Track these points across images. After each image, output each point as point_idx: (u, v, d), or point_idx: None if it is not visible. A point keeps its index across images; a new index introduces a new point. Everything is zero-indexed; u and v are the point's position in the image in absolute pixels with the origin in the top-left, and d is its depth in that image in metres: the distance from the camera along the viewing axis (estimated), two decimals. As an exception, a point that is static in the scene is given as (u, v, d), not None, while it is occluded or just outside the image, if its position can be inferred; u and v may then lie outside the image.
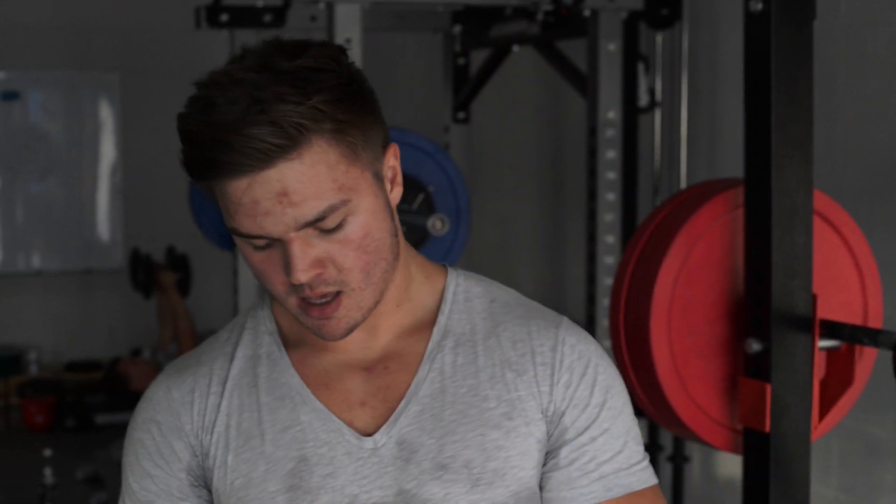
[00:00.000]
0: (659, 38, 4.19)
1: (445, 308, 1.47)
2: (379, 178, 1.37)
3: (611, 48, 3.68)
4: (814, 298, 2.28)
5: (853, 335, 2.30)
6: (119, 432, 6.27)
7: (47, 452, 4.84)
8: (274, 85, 1.27)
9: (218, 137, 1.27)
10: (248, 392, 1.45)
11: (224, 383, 1.46)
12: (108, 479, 4.99)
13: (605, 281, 3.63)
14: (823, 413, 2.37)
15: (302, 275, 1.31)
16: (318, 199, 1.29)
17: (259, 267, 1.35)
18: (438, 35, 4.64)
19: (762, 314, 2.28)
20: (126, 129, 6.74)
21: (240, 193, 1.29)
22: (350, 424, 1.42)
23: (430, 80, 5.16)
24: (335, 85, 1.31)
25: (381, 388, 1.44)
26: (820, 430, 2.41)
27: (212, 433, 1.44)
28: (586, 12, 3.67)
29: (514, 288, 1.56)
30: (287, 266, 1.32)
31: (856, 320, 2.45)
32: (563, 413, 1.42)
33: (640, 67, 4.11)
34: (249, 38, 4.47)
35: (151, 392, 1.49)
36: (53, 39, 6.62)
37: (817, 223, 2.37)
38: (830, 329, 2.31)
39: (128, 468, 1.49)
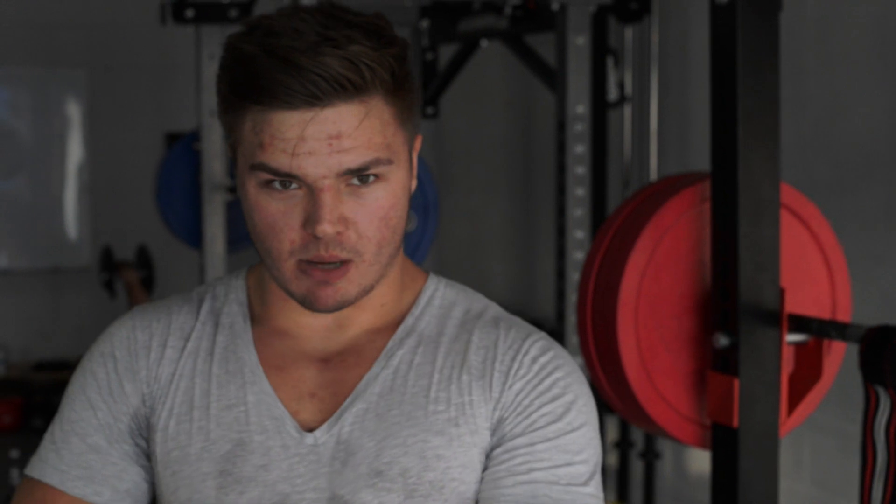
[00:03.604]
0: (628, 31, 4.17)
1: (416, 310, 1.42)
2: (411, 158, 1.34)
3: (579, 42, 3.66)
4: (781, 292, 2.26)
5: (821, 329, 2.28)
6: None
7: (14, 454, 4.80)
8: (344, 29, 1.24)
9: (287, 59, 1.21)
10: (203, 358, 1.41)
11: (186, 340, 1.42)
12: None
13: (575, 276, 3.61)
14: (792, 408, 2.35)
15: (329, 226, 1.25)
16: (367, 148, 1.25)
17: (270, 218, 1.28)
18: (406, 30, 4.60)
19: (730, 308, 2.26)
20: (93, 126, 6.69)
21: (286, 127, 1.23)
22: (295, 415, 1.36)
23: (399, 75, 5.12)
24: (402, 45, 1.29)
25: (333, 382, 1.38)
26: (789, 425, 2.39)
27: (160, 387, 1.40)
28: (554, 6, 3.64)
29: (483, 283, 1.52)
30: (310, 217, 1.26)
31: (824, 314, 2.43)
32: (506, 419, 1.35)
33: (610, 61, 4.09)
34: (215, 34, 4.43)
35: (115, 329, 1.45)
36: (18, 36, 6.56)
37: (785, 217, 2.36)
38: (798, 323, 2.30)
39: (68, 397, 1.43)
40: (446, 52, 4.59)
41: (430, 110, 4.58)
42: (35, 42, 6.60)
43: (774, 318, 2.25)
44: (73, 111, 6.70)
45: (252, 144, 1.26)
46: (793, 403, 2.35)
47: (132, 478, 1.40)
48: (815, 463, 3.36)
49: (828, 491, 3.33)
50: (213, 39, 4.44)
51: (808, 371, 2.35)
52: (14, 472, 4.68)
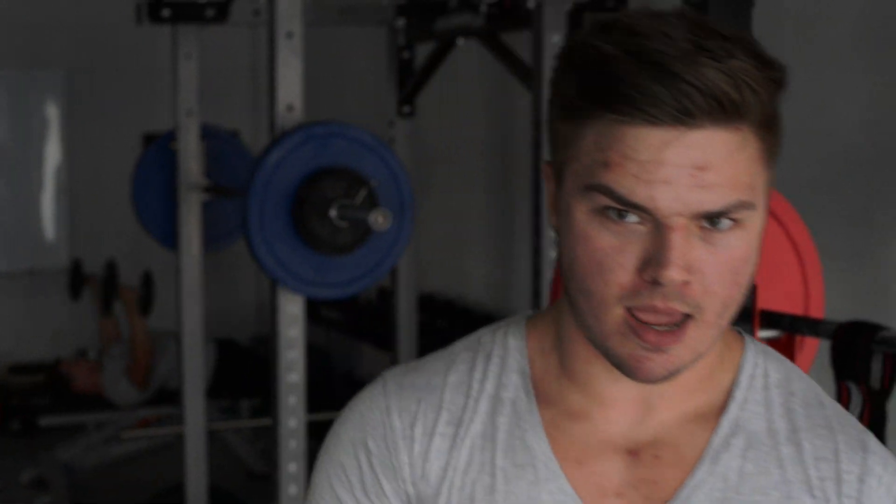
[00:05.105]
0: (604, 30, 4.17)
1: (739, 394, 1.17)
2: (766, 208, 1.09)
3: (555, 40, 3.65)
4: (754, 289, 2.26)
5: (793, 325, 2.27)
6: (63, 435, 6.22)
7: (-9, 456, 4.79)
8: (719, 40, 1.02)
9: (657, 63, 1.00)
10: (482, 446, 1.17)
11: (457, 425, 1.18)
12: (53, 482, 4.92)
13: (551, 275, 3.60)
14: (765, 404, 2.35)
15: (677, 272, 1.03)
16: (732, 189, 1.03)
17: (599, 253, 1.05)
18: (382, 28, 4.60)
19: (702, 305, 2.25)
20: (71, 127, 6.67)
21: (644, 146, 1.02)
22: None
23: (375, 74, 5.12)
24: (782, 70, 1.06)
25: (645, 481, 1.15)
26: (762, 422, 2.38)
27: (430, 485, 1.17)
28: (530, 4, 3.64)
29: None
30: (653, 259, 1.03)
31: (797, 310, 2.42)
32: None
33: (586, 60, 4.09)
34: (191, 33, 4.42)
35: (365, 407, 1.21)
36: (-3, 37, 6.54)
37: (757, 212, 2.35)
38: (770, 319, 2.29)
39: (315, 485, 1.22)
40: (423, 51, 4.58)
41: (406, 109, 4.56)
42: (13, 43, 6.58)
43: (746, 314, 2.24)
44: (51, 112, 6.69)
45: (594, 162, 1.04)
46: (766, 400, 2.34)
47: None
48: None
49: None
50: (190, 39, 4.43)
51: (780, 367, 2.34)
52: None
